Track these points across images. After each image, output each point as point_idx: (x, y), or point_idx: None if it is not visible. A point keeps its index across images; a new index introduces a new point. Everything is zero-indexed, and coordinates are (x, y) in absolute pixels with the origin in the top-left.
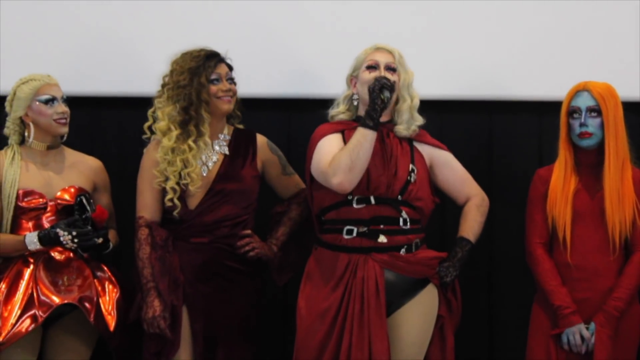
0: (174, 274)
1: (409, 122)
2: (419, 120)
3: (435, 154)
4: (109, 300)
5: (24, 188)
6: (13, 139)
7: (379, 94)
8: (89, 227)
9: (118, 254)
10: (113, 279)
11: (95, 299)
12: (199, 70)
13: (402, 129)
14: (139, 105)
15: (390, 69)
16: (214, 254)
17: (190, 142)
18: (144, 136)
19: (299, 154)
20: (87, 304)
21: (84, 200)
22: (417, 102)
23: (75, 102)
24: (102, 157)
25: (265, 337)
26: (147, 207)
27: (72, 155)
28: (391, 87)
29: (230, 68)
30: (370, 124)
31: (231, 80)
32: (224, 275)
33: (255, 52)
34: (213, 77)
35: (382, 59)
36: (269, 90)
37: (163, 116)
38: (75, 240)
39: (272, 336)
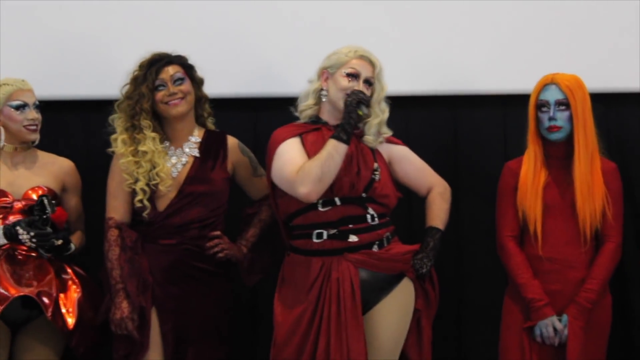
0: (143, 276)
1: (376, 135)
2: (387, 133)
3: (393, 150)
4: (69, 299)
5: None
6: None
7: (355, 109)
8: (48, 228)
9: (87, 255)
10: (76, 279)
11: (54, 295)
12: (141, 80)
13: (370, 140)
14: (106, 108)
15: (368, 82)
16: (183, 255)
17: (145, 146)
18: (109, 149)
19: (263, 151)
20: (45, 299)
21: (45, 201)
22: (386, 116)
23: (42, 105)
24: (70, 159)
25: (236, 338)
26: (117, 208)
27: (44, 157)
28: (368, 103)
29: (185, 67)
30: (343, 137)
31: (180, 81)
32: (193, 276)
33: (222, 52)
34: (157, 83)
35: (364, 70)
36: (236, 90)
37: (117, 127)
38: (34, 240)
39: (242, 337)
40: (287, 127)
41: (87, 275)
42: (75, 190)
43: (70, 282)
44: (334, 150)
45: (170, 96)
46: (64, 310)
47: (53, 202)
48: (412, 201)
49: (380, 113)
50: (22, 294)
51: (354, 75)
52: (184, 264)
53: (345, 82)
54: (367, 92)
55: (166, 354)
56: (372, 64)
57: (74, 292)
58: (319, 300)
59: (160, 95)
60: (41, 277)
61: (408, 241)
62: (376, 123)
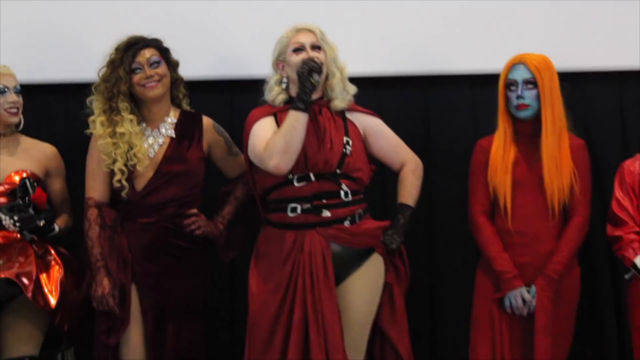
0: (122, 254)
1: (342, 94)
2: (352, 89)
3: (368, 122)
4: (52, 279)
5: None
6: None
7: (308, 77)
8: (31, 210)
9: (73, 235)
10: (59, 260)
11: (34, 275)
12: (118, 63)
13: (338, 103)
14: (85, 91)
15: (316, 47)
16: (161, 233)
17: (123, 127)
18: (87, 130)
19: (242, 133)
20: (24, 279)
21: (27, 183)
22: (346, 73)
23: (24, 90)
24: (51, 142)
25: (214, 312)
26: (96, 188)
27: (27, 142)
28: (319, 69)
29: (161, 50)
30: (301, 106)
31: (156, 64)
32: (171, 253)
33: (198, 36)
34: (134, 66)
35: (306, 39)
36: (212, 73)
37: (95, 109)
38: (17, 224)
39: (221, 312)
40: (262, 107)
41: (72, 255)
42: (58, 174)
43: (53, 263)
44: (295, 120)
45: (147, 79)
46: (46, 290)
47: (35, 184)
48: (386, 177)
49: (337, 71)
50: (2, 276)
51: (299, 49)
52: (162, 241)
53: (295, 58)
54: (320, 56)
55: (146, 328)
56: (311, 31)
57: (57, 272)
58: (292, 274)
59: (137, 78)
60: (22, 258)
61: (381, 216)
62: (337, 82)
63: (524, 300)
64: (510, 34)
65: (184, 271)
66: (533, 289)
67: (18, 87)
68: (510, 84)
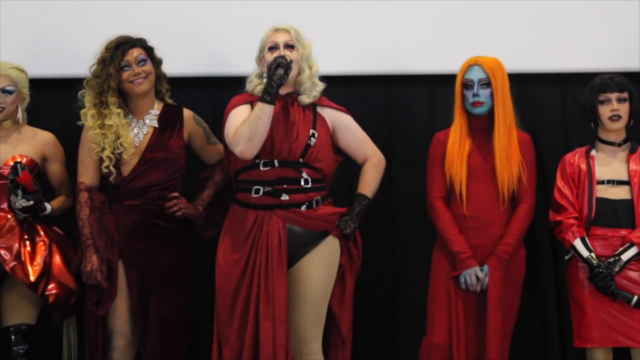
0: (110, 233)
1: (310, 89)
2: (320, 85)
3: (337, 117)
4: (35, 255)
5: None
6: None
7: (275, 72)
8: (19, 191)
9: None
10: (46, 237)
11: (16, 250)
12: (108, 61)
13: (304, 97)
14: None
15: (289, 46)
16: (145, 214)
17: (111, 120)
18: (79, 122)
19: (223, 125)
20: (5, 254)
21: (18, 166)
22: (316, 70)
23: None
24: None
25: (196, 286)
26: (86, 173)
27: (27, 131)
28: (286, 65)
29: (146, 49)
30: (267, 98)
31: (143, 62)
32: (154, 233)
33: (183, 35)
34: (123, 64)
35: (281, 38)
36: (195, 70)
37: (86, 102)
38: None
39: (203, 286)
40: (242, 95)
41: (65, 234)
42: (56, 159)
43: (39, 240)
44: (260, 112)
45: (135, 76)
46: (28, 265)
47: (25, 167)
48: (352, 168)
49: (307, 68)
50: None
51: (274, 47)
52: (146, 222)
53: (269, 56)
54: (292, 54)
55: (132, 301)
56: (286, 30)
57: (42, 249)
58: (252, 249)
59: (125, 75)
60: (8, 236)
61: (347, 203)
62: (307, 77)
63: (477, 278)
64: (466, 38)
65: (165, 249)
66: (486, 268)
67: (9, 87)
68: (466, 84)
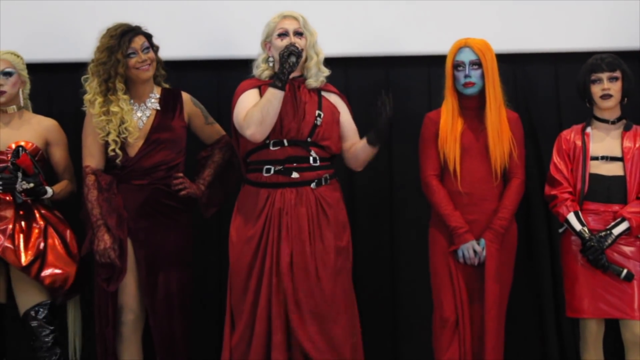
0: (119, 212)
1: (317, 75)
2: (325, 72)
3: (339, 104)
4: (28, 238)
5: None
6: None
7: (287, 59)
8: (19, 174)
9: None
10: (41, 221)
11: (8, 234)
12: (115, 48)
13: (312, 82)
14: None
15: (298, 33)
16: (153, 193)
17: (116, 106)
18: (83, 107)
19: (228, 109)
20: None
21: (20, 150)
22: (322, 57)
23: (35, 68)
24: (59, 115)
25: (201, 261)
26: (92, 157)
27: (31, 117)
28: (298, 53)
29: (148, 37)
30: (278, 84)
31: (147, 50)
32: (161, 211)
33: (188, 18)
34: (129, 52)
35: (290, 26)
36: (200, 53)
37: (89, 89)
38: (0, 183)
39: (208, 262)
40: (250, 80)
41: (62, 217)
42: (58, 145)
43: (34, 224)
44: (272, 96)
45: (141, 63)
46: (20, 248)
47: (25, 151)
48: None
49: (314, 55)
50: None
51: (284, 34)
52: (153, 201)
53: (280, 43)
54: (301, 42)
55: (140, 277)
56: (295, 18)
57: (35, 232)
58: (264, 226)
59: (132, 61)
60: (3, 218)
61: (348, 178)
62: (313, 64)
63: (475, 252)
64: (461, 21)
65: (171, 226)
66: (482, 241)
67: (8, 69)
68: (457, 65)
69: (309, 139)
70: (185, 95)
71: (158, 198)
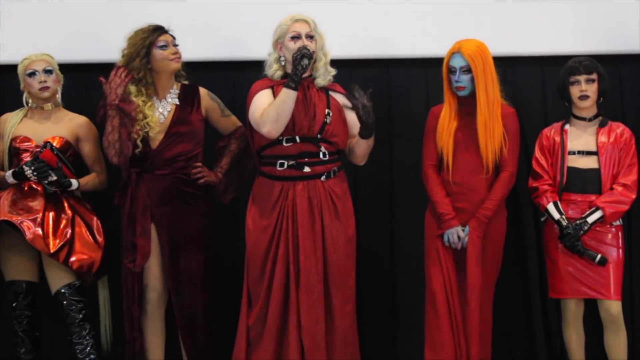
0: (143, 199)
1: (324, 74)
2: (332, 71)
3: (346, 102)
4: (57, 227)
5: (20, 135)
6: (26, 102)
7: (300, 62)
8: (47, 166)
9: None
10: (70, 211)
11: (38, 222)
12: (147, 42)
13: (320, 81)
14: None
15: (309, 36)
16: (174, 182)
17: (142, 99)
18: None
19: (243, 106)
20: (27, 224)
21: (48, 145)
22: (329, 58)
23: (70, 69)
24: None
25: (218, 245)
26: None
27: (64, 114)
28: (310, 55)
29: (172, 37)
30: (292, 85)
31: (176, 45)
32: (182, 198)
33: (204, 22)
34: (161, 44)
35: (302, 29)
36: (217, 54)
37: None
38: (35, 173)
39: (224, 244)
40: (263, 80)
41: (91, 207)
42: (88, 140)
43: (62, 214)
44: (286, 96)
45: (174, 54)
46: (49, 235)
47: (49, 146)
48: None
49: (323, 56)
50: (5, 218)
51: (296, 37)
52: (174, 188)
53: (292, 45)
54: (312, 44)
55: (163, 259)
56: (306, 22)
57: (63, 221)
58: (279, 217)
59: (165, 53)
60: (34, 208)
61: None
62: (322, 65)
63: (458, 237)
64: (457, 27)
65: (191, 212)
66: (467, 228)
67: (47, 67)
68: (450, 69)
69: (319, 136)
70: (203, 90)
71: (179, 186)
